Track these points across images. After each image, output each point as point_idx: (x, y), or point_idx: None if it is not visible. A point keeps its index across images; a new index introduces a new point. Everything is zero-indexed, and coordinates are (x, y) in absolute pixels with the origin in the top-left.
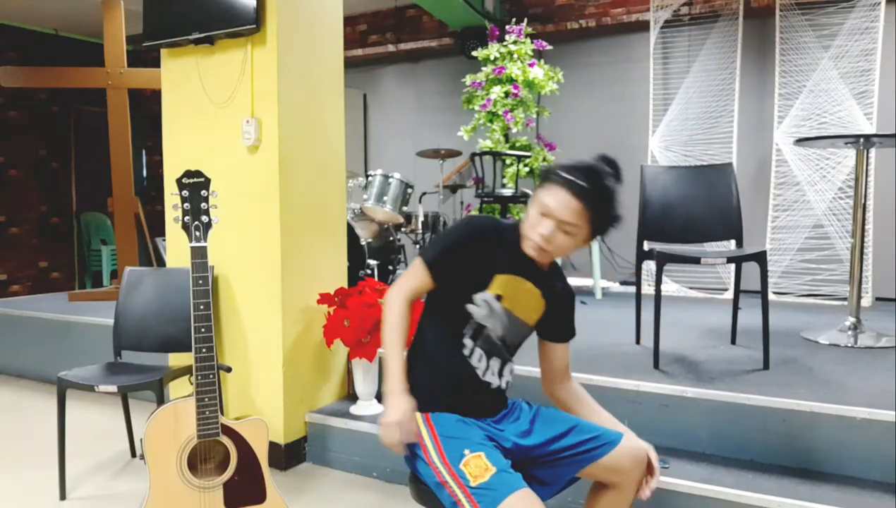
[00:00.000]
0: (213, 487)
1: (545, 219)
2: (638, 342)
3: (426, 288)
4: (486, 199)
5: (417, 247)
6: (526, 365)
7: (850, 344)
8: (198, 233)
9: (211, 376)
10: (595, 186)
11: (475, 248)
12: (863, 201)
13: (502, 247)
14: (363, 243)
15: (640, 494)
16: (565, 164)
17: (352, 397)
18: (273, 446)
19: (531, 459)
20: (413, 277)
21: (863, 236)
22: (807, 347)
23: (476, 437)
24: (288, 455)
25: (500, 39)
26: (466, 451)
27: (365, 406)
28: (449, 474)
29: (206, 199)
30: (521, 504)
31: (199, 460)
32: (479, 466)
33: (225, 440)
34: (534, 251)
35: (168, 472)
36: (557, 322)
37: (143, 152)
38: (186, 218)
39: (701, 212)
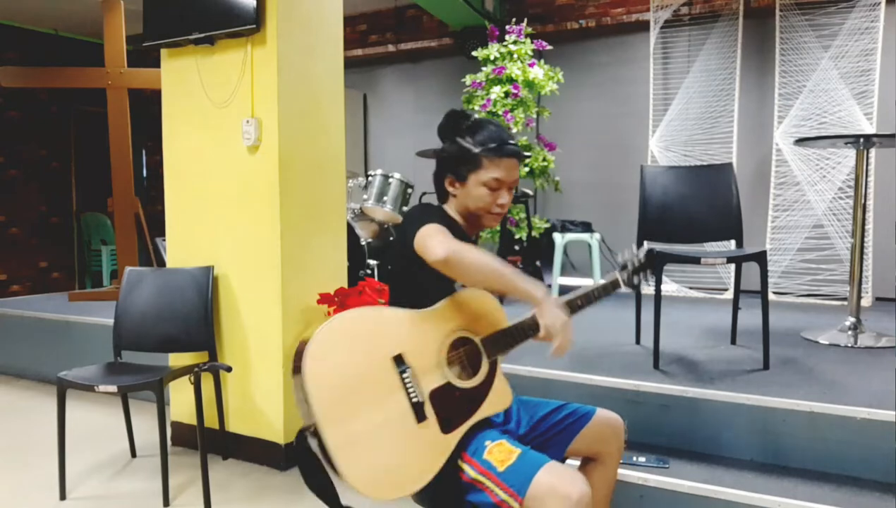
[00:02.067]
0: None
1: (499, 190)
2: (638, 342)
3: None
4: None
5: None
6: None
7: (850, 344)
8: None
9: None
10: (513, 137)
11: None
12: (863, 201)
13: (459, 233)
14: (363, 243)
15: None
16: (469, 140)
17: None
18: (273, 446)
19: (528, 442)
20: (444, 231)
21: (863, 236)
22: (807, 347)
23: (493, 429)
24: (288, 455)
25: (500, 39)
26: (488, 442)
27: None
28: (475, 469)
29: None
30: (551, 476)
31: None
32: (502, 451)
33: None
34: (496, 221)
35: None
36: None
37: (143, 152)
38: None
39: (701, 212)
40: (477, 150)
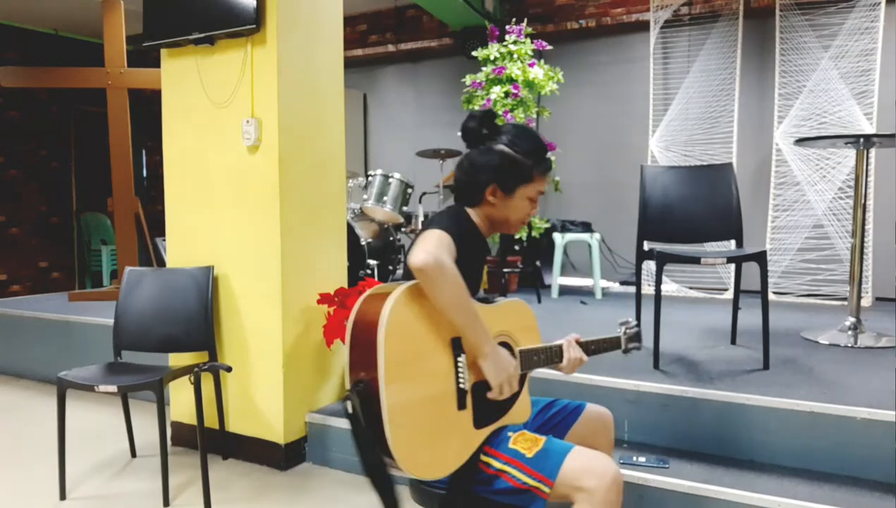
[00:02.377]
0: None
1: (536, 202)
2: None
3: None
4: None
5: None
6: None
7: (850, 344)
8: None
9: None
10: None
11: (474, 248)
12: (863, 201)
13: (480, 240)
14: (363, 243)
15: None
16: (518, 152)
17: None
18: (273, 446)
19: None
20: (448, 247)
21: (863, 236)
22: (807, 347)
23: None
24: (288, 455)
25: (500, 39)
26: (510, 433)
27: None
28: (501, 460)
29: None
30: (583, 458)
31: None
32: (527, 440)
33: None
34: (520, 230)
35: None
36: None
37: (143, 152)
38: None
39: (701, 212)
40: (530, 162)
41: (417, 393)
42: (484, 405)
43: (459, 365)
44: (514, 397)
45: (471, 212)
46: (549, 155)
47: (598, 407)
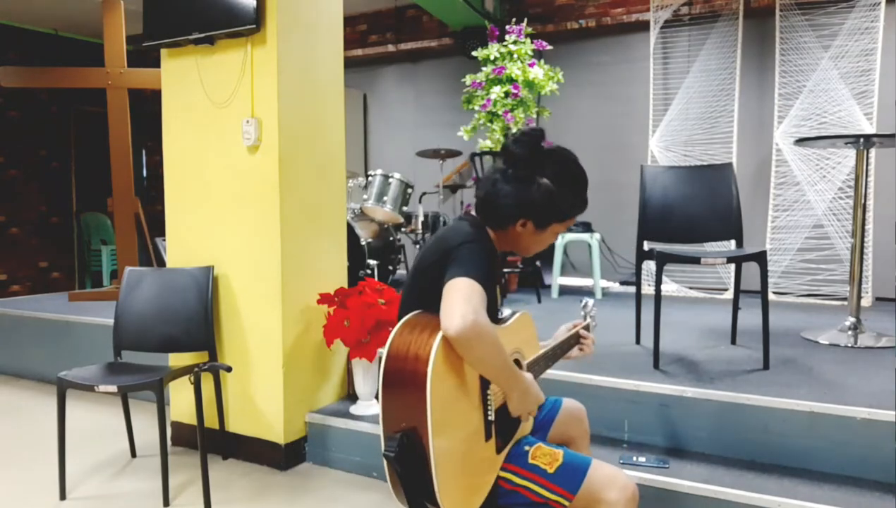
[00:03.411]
0: None
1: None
2: (638, 342)
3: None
4: None
5: (418, 247)
6: None
7: (850, 344)
8: None
9: None
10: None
11: (494, 273)
12: (863, 201)
13: (495, 258)
14: (363, 243)
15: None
16: (562, 189)
17: (352, 397)
18: (273, 446)
19: None
20: (481, 299)
21: (863, 236)
22: (807, 347)
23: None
24: (288, 455)
25: (500, 39)
26: (527, 447)
27: (365, 406)
28: (521, 475)
29: None
30: (604, 471)
31: None
32: (546, 454)
33: None
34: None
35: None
36: None
37: (143, 152)
38: None
39: (701, 212)
40: (571, 203)
41: (457, 436)
42: (504, 429)
43: (489, 398)
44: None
45: (490, 230)
46: (587, 189)
47: (571, 400)
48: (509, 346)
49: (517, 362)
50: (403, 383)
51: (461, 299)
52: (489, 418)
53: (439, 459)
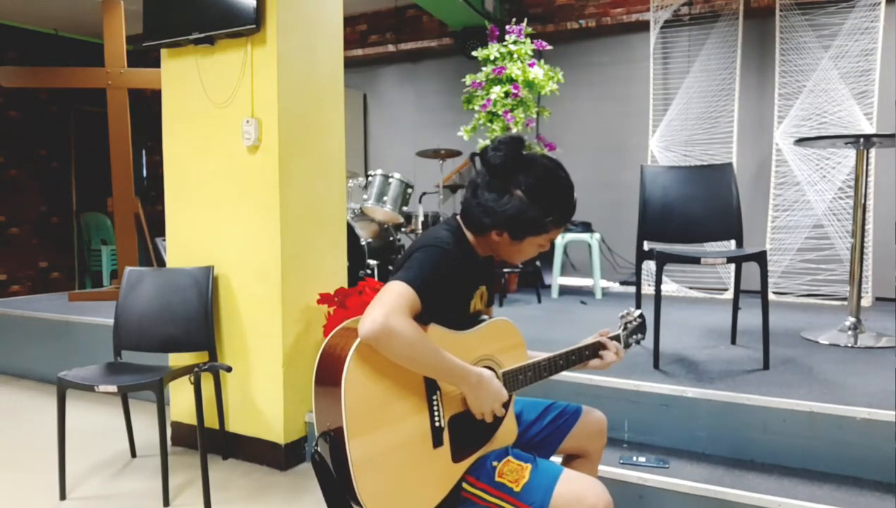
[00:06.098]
0: None
1: (545, 245)
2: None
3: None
4: None
5: None
6: None
7: (850, 344)
8: None
9: None
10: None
11: (455, 279)
12: (863, 201)
13: (469, 265)
14: (363, 243)
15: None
16: (537, 203)
17: None
18: (273, 446)
19: (520, 446)
20: (408, 303)
21: (863, 236)
22: (807, 347)
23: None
24: (288, 455)
25: (500, 39)
26: (494, 463)
27: None
28: (489, 493)
29: None
30: (572, 485)
31: None
32: (512, 470)
33: None
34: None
35: None
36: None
37: (143, 152)
38: None
39: (701, 212)
40: (547, 218)
41: (387, 441)
42: (463, 437)
43: (434, 403)
44: (499, 422)
45: (466, 231)
46: (572, 202)
47: (594, 410)
48: (475, 352)
49: (490, 369)
50: (325, 383)
51: (379, 302)
52: (436, 424)
53: (359, 462)
